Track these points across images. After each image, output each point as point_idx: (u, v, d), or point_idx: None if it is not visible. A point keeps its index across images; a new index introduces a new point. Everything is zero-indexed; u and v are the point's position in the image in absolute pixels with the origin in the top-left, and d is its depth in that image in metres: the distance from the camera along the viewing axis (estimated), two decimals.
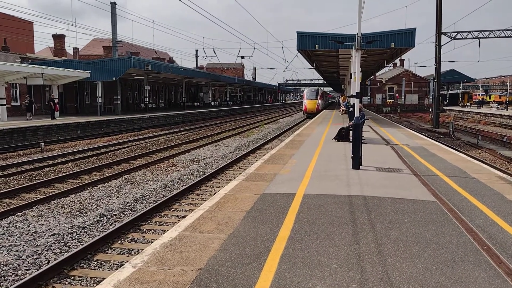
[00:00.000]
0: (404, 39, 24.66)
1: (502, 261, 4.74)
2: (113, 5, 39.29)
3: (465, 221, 6.21)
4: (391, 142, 16.42)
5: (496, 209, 6.81)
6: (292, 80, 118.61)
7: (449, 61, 77.67)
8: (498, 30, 38.40)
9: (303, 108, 46.93)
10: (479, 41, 39.90)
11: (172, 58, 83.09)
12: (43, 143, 20.00)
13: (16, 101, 34.74)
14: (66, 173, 13.54)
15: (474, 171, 10.22)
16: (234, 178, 11.85)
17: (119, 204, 10.00)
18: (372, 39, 20.83)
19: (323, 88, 79.58)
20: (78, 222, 8.58)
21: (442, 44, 35.19)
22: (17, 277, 6.16)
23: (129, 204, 10.11)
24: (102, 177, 13.02)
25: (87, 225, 8.46)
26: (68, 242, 7.54)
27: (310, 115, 43.27)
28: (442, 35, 35.38)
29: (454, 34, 37.30)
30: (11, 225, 8.47)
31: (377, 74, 71.26)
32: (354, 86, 12.60)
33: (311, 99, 45.02)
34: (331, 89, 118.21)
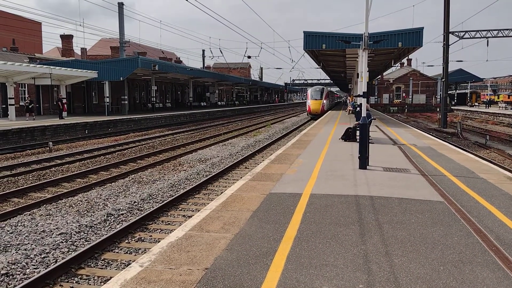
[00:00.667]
0: (411, 39, 24.55)
1: (511, 262, 4.70)
2: (121, 5, 39.47)
3: (473, 221, 6.17)
4: (398, 142, 16.35)
5: (505, 210, 6.76)
6: (299, 80, 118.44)
7: (457, 61, 77.48)
8: (507, 29, 38.04)
9: (307, 109, 44.85)
10: (488, 41, 39.60)
11: (179, 58, 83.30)
12: (51, 143, 20.13)
13: (25, 101, 35.01)
14: (73, 173, 13.61)
15: (482, 171, 10.15)
16: (241, 178, 11.85)
17: (126, 204, 10.05)
18: (379, 39, 20.77)
19: (329, 88, 79.11)
20: (86, 221, 8.63)
21: (450, 43, 34.98)
22: (25, 276, 6.21)
23: (136, 203, 10.15)
24: (109, 176, 13.09)
25: (95, 224, 8.51)
26: (75, 241, 7.59)
27: (315, 116, 41.46)
28: (450, 35, 35.15)
29: (462, 34, 37.04)
30: (19, 224, 8.53)
31: (384, 73, 70.99)
32: (361, 86, 12.57)
33: (316, 99, 42.76)
34: (337, 88, 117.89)
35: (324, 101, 43.23)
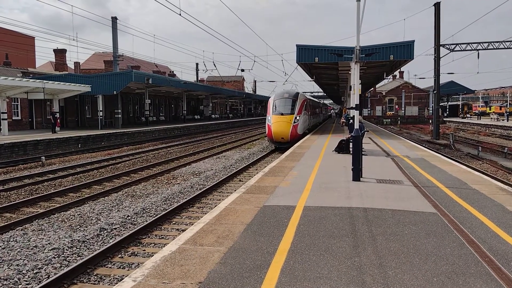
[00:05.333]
0: (403, 52, 24.80)
1: (503, 272, 4.72)
2: (114, 19, 39.64)
3: (466, 232, 6.19)
4: (391, 154, 16.42)
5: (497, 221, 6.79)
6: None
7: (448, 73, 78.14)
8: (497, 42, 38.46)
9: (267, 132, 24.87)
10: (478, 53, 40.06)
11: (173, 71, 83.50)
12: (43, 157, 20.02)
13: (17, 116, 34.88)
14: (66, 187, 13.53)
15: (474, 183, 10.21)
16: (235, 190, 11.83)
17: (119, 218, 9.99)
18: (371, 52, 20.99)
19: (322, 101, 78.56)
20: (78, 236, 8.56)
21: (441, 56, 35.40)
22: None
23: (129, 217, 10.10)
24: (102, 190, 13.02)
25: (87, 239, 8.44)
26: (68, 256, 7.52)
27: (280, 144, 23.90)
28: (441, 47, 35.59)
29: (452, 46, 37.43)
30: (11, 240, 8.45)
31: (376, 86, 71.57)
32: (354, 98, 12.67)
33: (281, 114, 24.22)
34: (331, 101, 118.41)
35: (298, 118, 24.59)
